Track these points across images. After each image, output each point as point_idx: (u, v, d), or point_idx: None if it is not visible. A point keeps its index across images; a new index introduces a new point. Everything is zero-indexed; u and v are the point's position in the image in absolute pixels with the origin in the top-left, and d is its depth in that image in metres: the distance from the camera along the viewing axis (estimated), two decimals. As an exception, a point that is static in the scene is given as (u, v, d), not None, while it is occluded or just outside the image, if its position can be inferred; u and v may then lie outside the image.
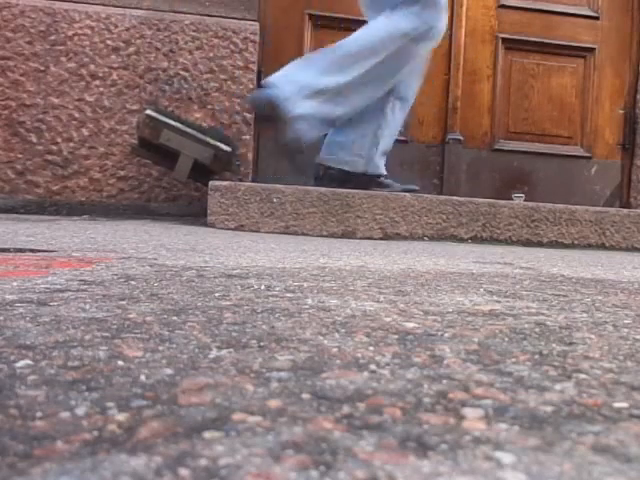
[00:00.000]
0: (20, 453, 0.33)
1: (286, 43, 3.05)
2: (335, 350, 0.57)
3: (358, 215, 2.35)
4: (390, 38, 2.40)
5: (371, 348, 0.59)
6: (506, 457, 0.35)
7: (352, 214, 2.35)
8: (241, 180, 2.70)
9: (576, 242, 2.54)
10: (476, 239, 2.46)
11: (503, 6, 3.26)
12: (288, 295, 0.87)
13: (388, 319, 0.73)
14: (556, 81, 3.32)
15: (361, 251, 1.73)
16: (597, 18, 3.35)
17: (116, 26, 2.68)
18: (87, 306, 0.73)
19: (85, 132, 2.67)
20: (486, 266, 1.49)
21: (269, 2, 3.00)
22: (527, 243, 2.50)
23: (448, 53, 3.20)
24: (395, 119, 2.55)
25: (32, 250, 1.30)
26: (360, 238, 2.33)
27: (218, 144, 2.46)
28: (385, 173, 2.60)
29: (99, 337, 0.58)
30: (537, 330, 0.71)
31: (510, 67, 3.28)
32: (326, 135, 2.54)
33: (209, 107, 2.76)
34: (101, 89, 2.68)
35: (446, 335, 0.66)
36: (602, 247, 2.56)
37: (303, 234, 2.31)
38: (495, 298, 0.95)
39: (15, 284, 0.86)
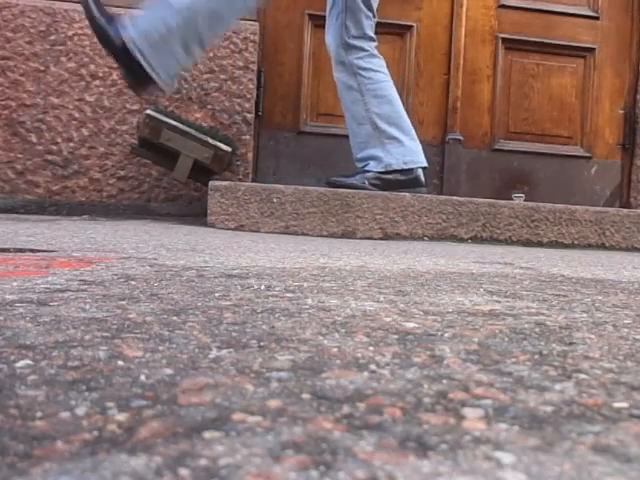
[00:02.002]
0: (20, 453, 0.33)
1: (286, 43, 3.05)
2: (335, 350, 0.57)
3: (358, 215, 2.35)
4: None
5: (371, 348, 0.59)
6: (506, 457, 0.35)
7: (352, 214, 2.35)
8: (241, 180, 2.70)
9: (576, 242, 2.54)
10: (476, 239, 2.46)
11: (503, 6, 3.26)
12: (288, 295, 0.87)
13: (388, 319, 0.73)
14: (556, 81, 3.32)
15: (361, 251, 1.73)
16: (597, 18, 3.34)
17: (116, 26, 2.68)
18: (87, 306, 0.73)
19: (85, 132, 2.67)
20: (486, 266, 1.49)
21: (269, 2, 3.00)
22: (527, 243, 2.50)
23: (448, 53, 3.20)
24: None
25: (32, 250, 1.30)
26: (360, 238, 2.33)
27: (218, 144, 2.46)
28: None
29: (99, 337, 0.58)
30: (537, 330, 0.71)
31: (510, 67, 3.28)
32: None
33: (209, 107, 2.76)
34: (101, 89, 2.68)
35: (446, 335, 0.66)
36: (602, 247, 2.56)
37: (303, 234, 2.31)
38: (495, 298, 0.95)
39: (15, 284, 0.86)
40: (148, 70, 2.11)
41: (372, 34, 2.59)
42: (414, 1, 3.17)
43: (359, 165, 2.60)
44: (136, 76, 2.14)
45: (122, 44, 2.09)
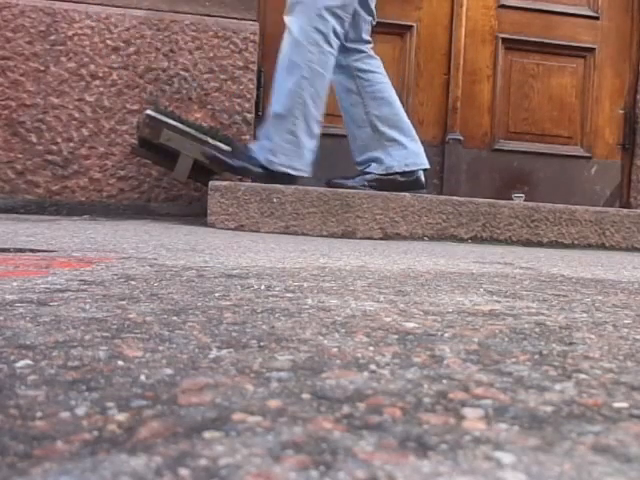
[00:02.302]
0: (20, 453, 0.33)
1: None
2: (335, 350, 0.57)
3: (358, 215, 2.35)
4: None
5: (371, 348, 0.59)
6: (506, 457, 0.35)
7: (352, 214, 2.35)
8: (241, 180, 2.70)
9: (576, 242, 2.54)
10: (476, 239, 2.46)
11: (503, 6, 3.26)
12: (288, 295, 0.87)
13: (388, 319, 0.73)
14: (556, 81, 3.32)
15: (361, 251, 1.73)
16: (597, 18, 3.34)
17: (116, 26, 2.68)
18: (87, 306, 0.73)
19: (85, 132, 2.67)
20: (486, 266, 1.49)
21: (269, 2, 3.00)
22: (527, 243, 2.50)
23: (448, 53, 3.20)
24: None
25: (32, 250, 1.30)
26: (360, 238, 2.33)
27: (218, 144, 2.46)
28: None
29: (99, 337, 0.58)
30: (537, 330, 0.71)
31: (510, 67, 3.28)
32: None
33: (209, 107, 2.76)
34: (101, 89, 2.68)
35: (446, 335, 0.66)
36: (602, 247, 2.56)
37: (303, 234, 2.31)
38: (495, 298, 0.95)
39: (15, 284, 0.86)
40: (297, 174, 2.41)
41: (368, 37, 2.59)
42: (414, 1, 3.17)
43: (360, 168, 2.60)
44: (286, 181, 2.41)
45: (267, 170, 2.39)
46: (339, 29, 2.42)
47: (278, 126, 2.38)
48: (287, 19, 2.45)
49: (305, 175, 2.45)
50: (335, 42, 2.42)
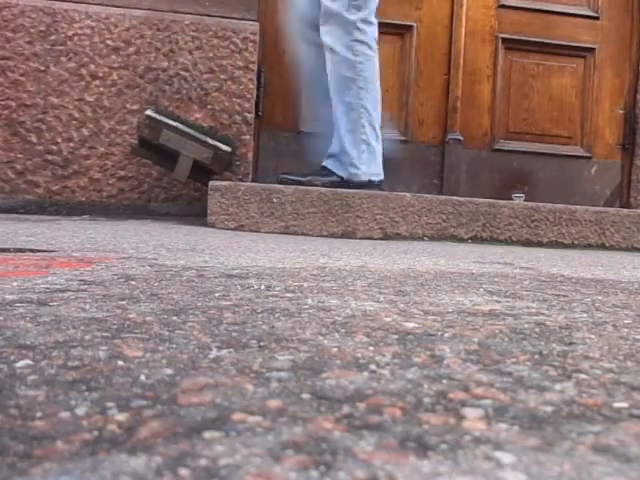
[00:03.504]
0: (20, 453, 0.33)
1: (286, 43, 3.05)
2: (335, 350, 0.57)
3: (358, 215, 2.35)
4: None
5: (371, 348, 0.59)
6: (506, 457, 0.35)
7: (352, 214, 2.35)
8: (241, 180, 2.70)
9: (576, 242, 2.54)
10: (476, 239, 2.46)
11: (503, 6, 3.26)
12: (288, 295, 0.87)
13: (388, 319, 0.73)
14: (556, 81, 3.32)
15: (361, 251, 1.73)
16: (597, 18, 3.34)
17: (116, 26, 2.68)
18: (87, 306, 0.73)
19: (85, 132, 2.67)
20: (486, 266, 1.49)
21: (269, 2, 3.00)
22: (527, 243, 2.50)
23: (448, 53, 3.20)
24: None
25: (32, 250, 1.30)
26: (360, 238, 2.33)
27: (218, 144, 2.46)
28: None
29: (99, 337, 0.58)
30: (537, 330, 0.71)
31: (510, 67, 3.28)
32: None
33: (209, 107, 2.76)
34: (101, 89, 2.68)
35: (446, 335, 0.66)
36: (602, 247, 2.56)
37: (303, 234, 2.31)
38: (495, 298, 0.95)
39: (15, 284, 0.86)
40: (378, 180, 2.55)
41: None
42: (414, 1, 3.17)
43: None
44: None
45: (344, 180, 2.53)
46: (376, 33, 2.53)
47: (351, 140, 2.52)
48: (322, 29, 2.53)
49: (382, 178, 2.56)
50: (375, 45, 2.54)
